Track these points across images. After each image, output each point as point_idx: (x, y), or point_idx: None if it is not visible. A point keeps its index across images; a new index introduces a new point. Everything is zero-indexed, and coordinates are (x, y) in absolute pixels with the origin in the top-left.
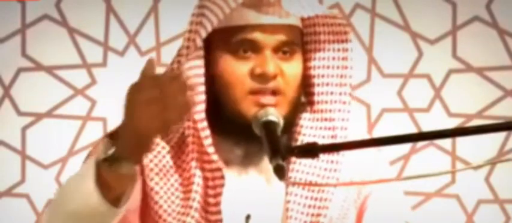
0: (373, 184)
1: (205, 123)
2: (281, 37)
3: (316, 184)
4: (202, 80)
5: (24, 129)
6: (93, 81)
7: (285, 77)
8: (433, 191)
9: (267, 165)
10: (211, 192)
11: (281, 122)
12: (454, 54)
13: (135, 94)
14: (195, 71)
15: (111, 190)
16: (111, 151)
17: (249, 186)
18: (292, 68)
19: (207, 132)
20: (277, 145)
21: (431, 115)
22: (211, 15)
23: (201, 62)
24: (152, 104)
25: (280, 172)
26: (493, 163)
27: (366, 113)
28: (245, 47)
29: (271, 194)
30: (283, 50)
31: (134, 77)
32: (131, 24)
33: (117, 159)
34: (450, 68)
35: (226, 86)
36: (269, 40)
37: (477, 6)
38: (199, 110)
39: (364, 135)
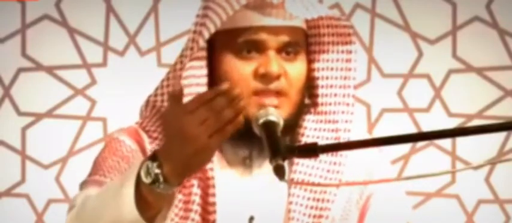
0: (375, 185)
1: None
2: (284, 38)
3: (318, 185)
4: (204, 80)
5: (24, 129)
6: (93, 81)
7: (288, 77)
8: (433, 191)
9: (270, 166)
10: (207, 192)
11: (281, 122)
12: (454, 54)
13: (184, 118)
14: (194, 72)
15: (149, 209)
16: (156, 171)
17: (252, 187)
18: (296, 68)
19: None
20: (278, 146)
21: (431, 115)
22: (214, 17)
23: (202, 63)
24: (207, 123)
25: (280, 172)
26: (493, 163)
27: (366, 113)
28: (249, 48)
29: (274, 195)
30: (287, 50)
31: (134, 76)
32: (131, 24)
33: (163, 181)
34: (450, 68)
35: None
36: (273, 41)
37: (477, 6)
38: None
39: (364, 135)
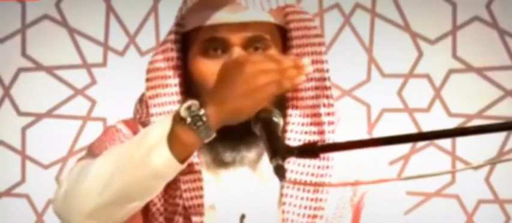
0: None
1: None
2: (247, 33)
3: (315, 184)
4: (176, 81)
5: (24, 129)
6: (93, 81)
7: None
8: (433, 191)
9: (258, 164)
10: (194, 191)
11: (281, 122)
12: (454, 54)
13: (247, 63)
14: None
15: (179, 152)
16: (199, 110)
17: (242, 186)
18: None
19: None
20: (277, 146)
21: (431, 115)
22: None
23: (173, 55)
24: (270, 73)
25: (281, 172)
26: (493, 163)
27: (366, 113)
28: (214, 46)
29: (264, 193)
30: (255, 46)
31: (134, 77)
32: (131, 24)
33: (204, 119)
34: (450, 68)
35: (200, 85)
36: (235, 37)
37: (477, 6)
38: None
39: (364, 135)
